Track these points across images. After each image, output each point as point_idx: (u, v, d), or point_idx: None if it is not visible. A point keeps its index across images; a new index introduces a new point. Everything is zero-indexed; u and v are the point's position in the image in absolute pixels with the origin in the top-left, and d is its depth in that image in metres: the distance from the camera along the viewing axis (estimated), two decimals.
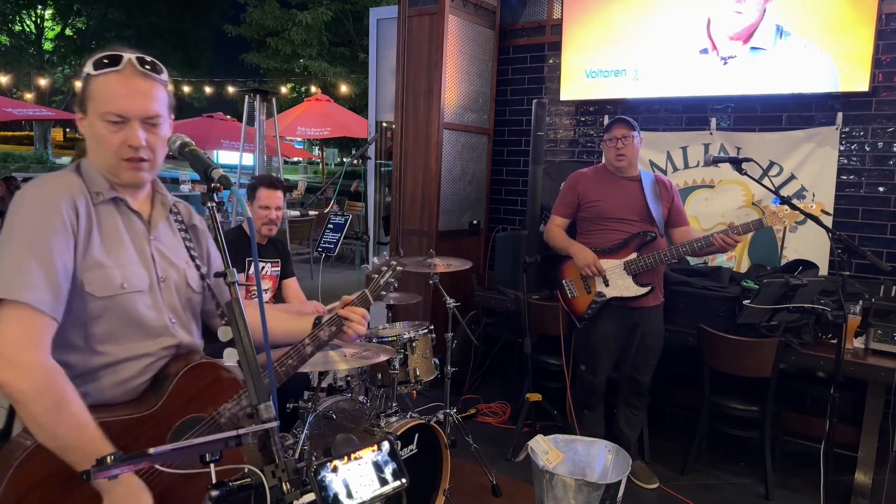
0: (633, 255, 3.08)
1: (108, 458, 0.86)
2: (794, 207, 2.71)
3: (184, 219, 1.55)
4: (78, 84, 1.37)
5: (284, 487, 0.98)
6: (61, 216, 1.27)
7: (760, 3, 3.78)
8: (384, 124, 5.36)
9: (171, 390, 1.36)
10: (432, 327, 3.13)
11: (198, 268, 1.53)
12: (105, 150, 1.33)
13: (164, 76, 1.38)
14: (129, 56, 1.32)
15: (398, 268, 1.88)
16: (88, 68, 1.32)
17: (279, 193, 3.05)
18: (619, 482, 2.48)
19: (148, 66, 1.34)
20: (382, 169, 5.47)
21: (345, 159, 24.21)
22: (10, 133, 29.45)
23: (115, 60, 1.31)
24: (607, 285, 3.11)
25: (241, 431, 0.96)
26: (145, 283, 1.39)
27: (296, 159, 26.77)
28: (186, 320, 1.49)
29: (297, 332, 1.64)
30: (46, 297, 1.22)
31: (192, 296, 1.50)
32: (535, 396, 3.67)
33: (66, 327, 1.29)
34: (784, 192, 3.59)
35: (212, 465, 0.97)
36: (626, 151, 3.11)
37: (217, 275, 1.18)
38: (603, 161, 3.39)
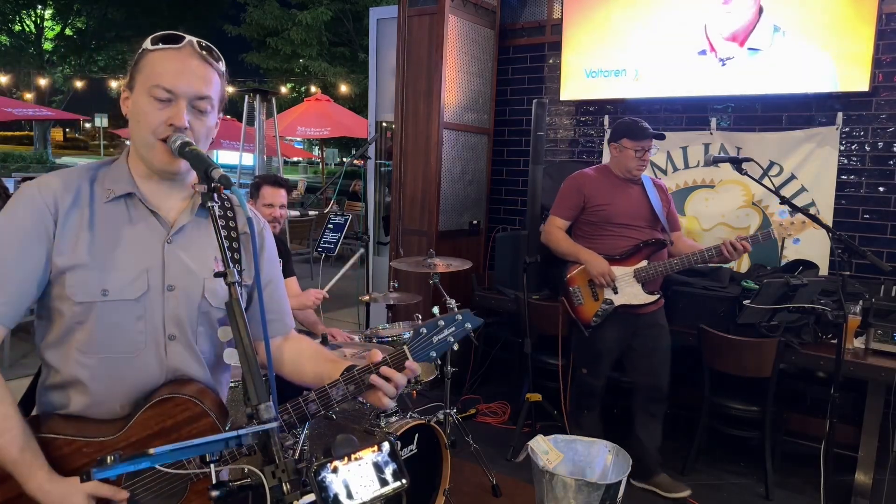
0: (644, 263, 3.05)
1: (109, 458, 0.85)
2: (808, 216, 2.67)
3: (237, 226, 1.37)
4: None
5: (284, 488, 0.98)
6: (37, 214, 1.22)
7: (752, 2, 3.78)
8: (384, 124, 5.36)
9: (135, 422, 1.24)
10: None
11: (239, 284, 1.23)
12: (143, 126, 1.24)
13: (222, 66, 1.30)
14: (190, 38, 1.26)
15: (467, 325, 1.42)
16: (146, 44, 1.25)
17: (283, 192, 3.05)
18: (619, 482, 2.48)
19: (206, 51, 1.27)
20: (382, 169, 5.47)
21: (344, 159, 24.21)
22: (9, 133, 29.48)
23: (175, 38, 1.26)
24: (616, 293, 3.07)
25: (241, 431, 0.96)
26: (139, 292, 1.26)
27: (296, 159, 26.78)
28: (194, 337, 1.33)
29: (326, 377, 1.47)
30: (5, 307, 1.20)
31: (209, 310, 1.34)
32: (535, 396, 3.67)
33: (53, 326, 1.26)
34: (784, 192, 3.58)
35: (212, 466, 0.97)
36: (647, 161, 3.11)
37: (217, 275, 1.09)
38: (605, 162, 3.37)
